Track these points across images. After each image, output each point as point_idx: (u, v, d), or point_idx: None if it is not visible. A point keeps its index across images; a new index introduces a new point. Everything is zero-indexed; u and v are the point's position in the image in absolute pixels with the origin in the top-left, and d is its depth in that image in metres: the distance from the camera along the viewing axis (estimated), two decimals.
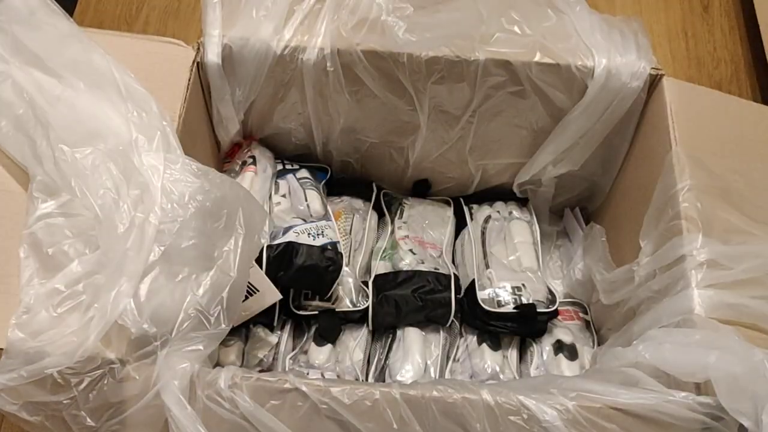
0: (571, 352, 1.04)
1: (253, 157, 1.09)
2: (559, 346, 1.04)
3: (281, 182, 1.09)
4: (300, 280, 0.98)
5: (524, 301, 1.02)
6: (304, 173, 1.12)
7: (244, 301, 0.91)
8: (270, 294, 0.94)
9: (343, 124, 1.09)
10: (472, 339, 1.05)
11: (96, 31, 0.94)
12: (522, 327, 1.03)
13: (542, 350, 1.05)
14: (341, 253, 1.00)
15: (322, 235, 0.98)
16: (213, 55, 0.96)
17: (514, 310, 1.01)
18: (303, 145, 1.14)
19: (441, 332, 1.06)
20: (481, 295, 1.03)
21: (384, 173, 1.20)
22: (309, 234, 0.98)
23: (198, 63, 0.95)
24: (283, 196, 1.07)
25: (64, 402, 0.70)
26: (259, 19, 0.97)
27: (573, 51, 0.98)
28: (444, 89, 1.02)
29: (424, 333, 1.05)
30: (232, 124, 1.07)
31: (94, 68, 0.83)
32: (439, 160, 1.15)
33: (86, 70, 0.83)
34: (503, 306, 1.02)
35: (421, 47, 0.96)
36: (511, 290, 1.04)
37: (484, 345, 1.03)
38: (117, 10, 1.62)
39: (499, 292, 1.04)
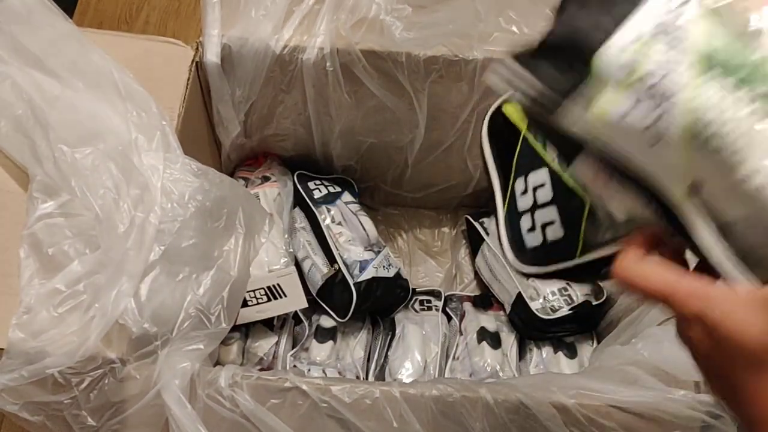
0: (571, 350, 1.04)
1: (273, 175, 1.12)
2: (558, 345, 1.04)
3: (333, 209, 1.11)
4: (379, 307, 1.09)
5: (575, 300, 1.04)
6: (347, 197, 1.15)
7: (265, 302, 0.92)
8: (296, 301, 0.97)
9: (342, 125, 1.09)
10: (472, 337, 1.05)
11: (95, 31, 0.94)
12: (581, 324, 1.05)
13: (541, 348, 1.05)
14: (407, 279, 1.11)
15: (391, 265, 1.09)
16: (212, 55, 0.96)
17: (570, 311, 1.03)
18: (303, 145, 1.14)
19: (440, 330, 1.06)
20: (534, 305, 1.04)
21: (383, 173, 1.20)
22: (383, 266, 1.07)
23: (197, 63, 0.95)
24: (339, 224, 1.10)
25: (65, 402, 0.71)
26: (258, 18, 0.97)
27: None
28: (442, 88, 1.02)
29: (423, 331, 1.05)
30: (233, 125, 1.07)
31: (94, 68, 0.83)
32: (437, 160, 1.15)
33: (85, 70, 0.83)
34: (558, 311, 1.03)
35: (419, 46, 0.97)
36: (558, 293, 1.05)
37: (484, 343, 1.03)
38: (117, 10, 1.62)
39: (550, 299, 1.05)
